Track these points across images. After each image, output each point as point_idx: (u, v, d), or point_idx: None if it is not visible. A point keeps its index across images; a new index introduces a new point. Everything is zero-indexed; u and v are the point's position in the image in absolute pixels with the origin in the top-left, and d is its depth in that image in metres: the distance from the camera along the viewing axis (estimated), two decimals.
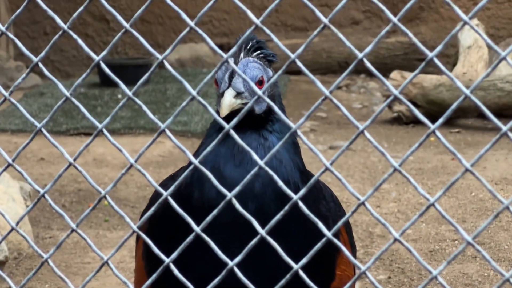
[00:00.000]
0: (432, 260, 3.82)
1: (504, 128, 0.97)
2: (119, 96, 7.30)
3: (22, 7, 1.15)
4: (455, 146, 5.84)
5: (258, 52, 1.65)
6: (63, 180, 4.86)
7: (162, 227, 1.59)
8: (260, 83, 1.62)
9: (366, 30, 8.57)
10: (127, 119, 6.36)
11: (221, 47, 9.23)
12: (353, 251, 1.78)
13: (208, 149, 1.09)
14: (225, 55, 1.08)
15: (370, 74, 7.98)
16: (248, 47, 1.64)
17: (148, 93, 7.39)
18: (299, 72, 6.98)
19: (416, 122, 6.30)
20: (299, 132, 1.07)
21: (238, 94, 1.58)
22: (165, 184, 1.77)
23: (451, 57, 7.12)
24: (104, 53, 1.12)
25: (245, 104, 1.59)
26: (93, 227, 4.34)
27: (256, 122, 1.62)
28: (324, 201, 1.65)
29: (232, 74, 1.56)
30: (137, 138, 6.02)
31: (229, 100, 1.54)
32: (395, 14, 1.02)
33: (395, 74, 6.38)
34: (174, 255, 1.11)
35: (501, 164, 5.17)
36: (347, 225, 1.83)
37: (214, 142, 1.08)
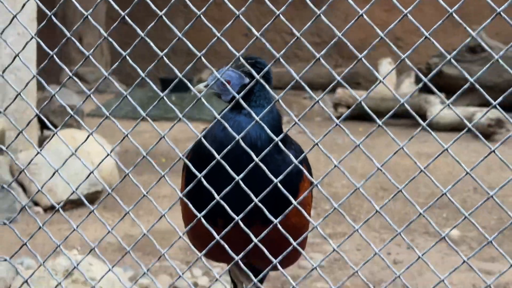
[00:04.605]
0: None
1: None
2: (173, 98, 9.75)
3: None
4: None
5: (243, 67, 2.33)
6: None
7: (197, 159, 2.25)
8: (227, 83, 2.33)
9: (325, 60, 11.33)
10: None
11: None
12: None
13: (226, 110, 1.75)
14: (238, 54, 1.74)
15: (324, 89, 11.05)
16: (237, 64, 2.36)
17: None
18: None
19: (350, 118, 8.63)
20: (281, 103, 1.72)
21: (207, 86, 2.25)
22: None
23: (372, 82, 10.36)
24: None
25: (213, 92, 2.31)
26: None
27: (232, 107, 2.23)
28: (292, 151, 2.31)
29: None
30: (182, 125, 6.89)
31: (196, 87, 2.25)
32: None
33: (340, 90, 9.68)
34: (204, 172, 1.77)
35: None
36: (308, 164, 2.48)
37: (229, 107, 1.74)
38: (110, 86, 10.60)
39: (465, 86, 1.55)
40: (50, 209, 4.99)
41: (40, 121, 6.12)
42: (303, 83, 1.72)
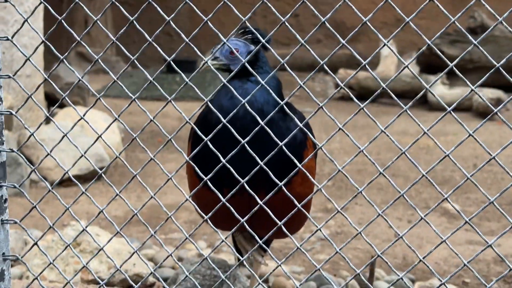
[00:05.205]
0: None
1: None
2: (177, 79, 9.82)
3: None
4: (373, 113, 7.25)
5: (247, 35, 2.36)
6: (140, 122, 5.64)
7: (203, 129, 2.25)
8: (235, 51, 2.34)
9: (325, 46, 12.47)
10: (180, 91, 7.84)
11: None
12: (316, 153, 2.44)
13: (232, 74, 1.74)
14: (243, 18, 1.73)
15: (326, 72, 11.33)
16: (241, 31, 2.36)
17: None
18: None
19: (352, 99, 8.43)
20: (286, 66, 1.71)
21: (215, 58, 2.33)
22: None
23: (375, 63, 10.49)
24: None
25: (222, 64, 2.34)
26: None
27: (240, 75, 2.32)
28: (294, 121, 2.31)
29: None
30: (187, 104, 6.90)
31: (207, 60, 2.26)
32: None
33: (341, 71, 9.92)
34: (210, 136, 1.76)
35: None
36: (311, 132, 2.46)
37: (232, 74, 1.73)
38: (116, 67, 10.66)
39: (478, 40, 1.54)
40: (57, 184, 5.03)
41: (47, 98, 6.11)
42: (305, 44, 1.71)
